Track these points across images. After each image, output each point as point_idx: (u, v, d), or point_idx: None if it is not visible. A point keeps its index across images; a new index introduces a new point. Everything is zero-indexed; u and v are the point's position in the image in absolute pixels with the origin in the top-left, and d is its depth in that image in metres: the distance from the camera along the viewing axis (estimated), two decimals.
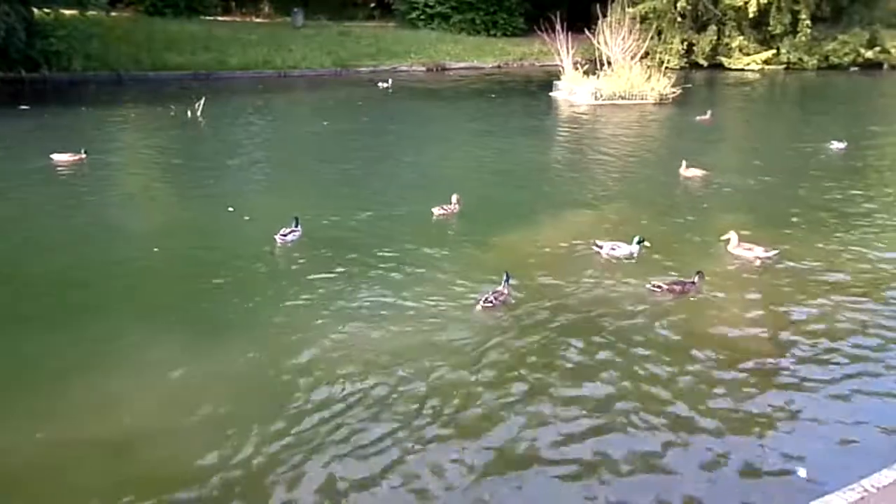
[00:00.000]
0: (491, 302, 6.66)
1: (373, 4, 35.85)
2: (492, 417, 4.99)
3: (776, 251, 7.97)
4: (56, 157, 11.90)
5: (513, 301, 6.85)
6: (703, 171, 11.91)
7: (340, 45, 29.01)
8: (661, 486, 4.33)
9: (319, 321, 6.39)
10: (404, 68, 28.36)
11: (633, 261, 7.88)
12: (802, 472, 4.36)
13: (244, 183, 11.67)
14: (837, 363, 5.81)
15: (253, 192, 11.17)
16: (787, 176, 12.29)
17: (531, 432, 4.81)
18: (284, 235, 8.33)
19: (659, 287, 7.04)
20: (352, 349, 5.91)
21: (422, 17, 33.19)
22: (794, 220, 9.69)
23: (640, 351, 5.93)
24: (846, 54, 29.86)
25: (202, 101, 16.93)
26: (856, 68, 29.19)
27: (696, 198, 11.12)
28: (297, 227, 8.42)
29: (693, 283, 7.08)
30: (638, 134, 16.89)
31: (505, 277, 6.83)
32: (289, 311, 6.63)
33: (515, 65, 31.23)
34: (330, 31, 30.90)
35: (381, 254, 8.07)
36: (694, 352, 5.92)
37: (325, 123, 16.45)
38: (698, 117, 17.85)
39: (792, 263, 7.93)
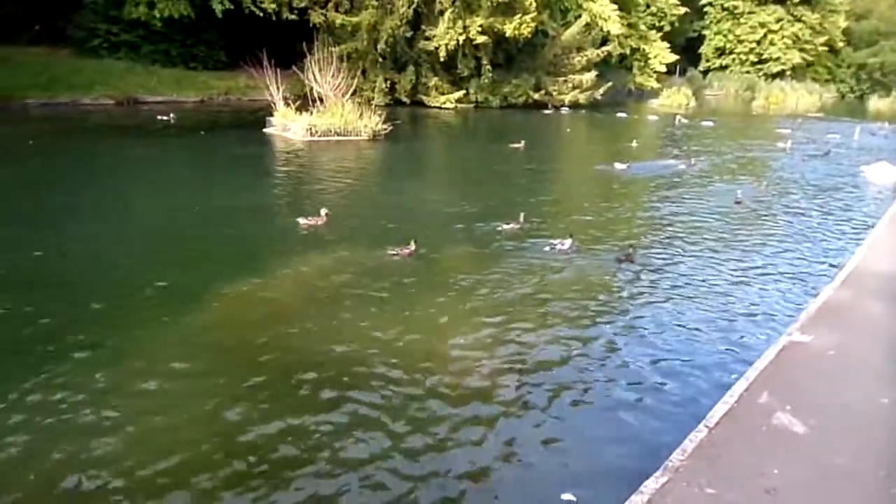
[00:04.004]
0: (396, 253, 8.98)
1: (37, 27, 30.48)
2: None
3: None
4: None
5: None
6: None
7: None
8: None
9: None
10: (87, 101, 24.72)
11: (571, 251, 9.69)
12: (568, 497, 4.43)
13: None
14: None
15: None
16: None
17: None
18: None
19: (619, 259, 9.43)
20: None
21: (105, 45, 29.28)
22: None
23: None
24: (519, 95, 34.92)
25: None
26: (534, 109, 34.27)
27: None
28: None
29: (629, 252, 9.61)
30: (363, 166, 17.18)
31: (414, 241, 9.08)
32: None
33: (220, 99, 29.72)
34: None
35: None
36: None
37: None
38: (512, 145, 20.11)
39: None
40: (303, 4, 29.73)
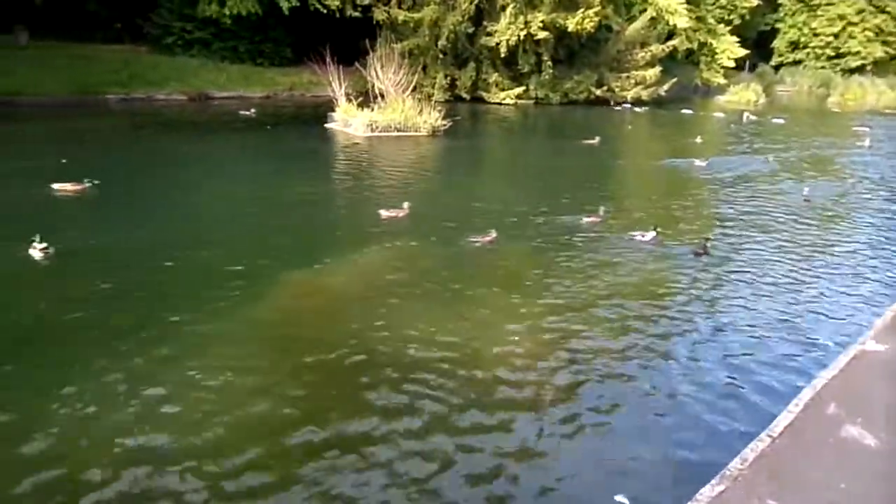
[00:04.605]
0: (477, 241, 9.36)
1: (118, 26, 32.12)
2: None
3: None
4: None
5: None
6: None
7: (80, 69, 25.47)
8: None
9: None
10: (162, 97, 25.90)
11: (653, 243, 9.95)
12: (621, 498, 4.39)
13: None
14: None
15: None
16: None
17: None
18: None
19: (697, 253, 9.49)
20: None
21: (179, 42, 30.51)
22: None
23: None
24: (581, 92, 34.28)
25: None
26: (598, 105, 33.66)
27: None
28: None
29: (704, 246, 9.67)
30: (426, 161, 17.39)
31: (495, 229, 9.53)
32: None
33: (285, 95, 30.46)
34: (64, 53, 26.90)
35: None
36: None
37: (63, 161, 13.95)
38: (586, 141, 20.39)
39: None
40: (366, 2, 30.12)
